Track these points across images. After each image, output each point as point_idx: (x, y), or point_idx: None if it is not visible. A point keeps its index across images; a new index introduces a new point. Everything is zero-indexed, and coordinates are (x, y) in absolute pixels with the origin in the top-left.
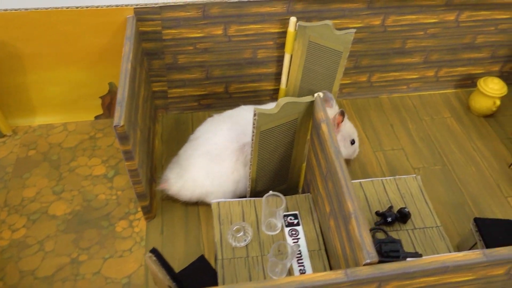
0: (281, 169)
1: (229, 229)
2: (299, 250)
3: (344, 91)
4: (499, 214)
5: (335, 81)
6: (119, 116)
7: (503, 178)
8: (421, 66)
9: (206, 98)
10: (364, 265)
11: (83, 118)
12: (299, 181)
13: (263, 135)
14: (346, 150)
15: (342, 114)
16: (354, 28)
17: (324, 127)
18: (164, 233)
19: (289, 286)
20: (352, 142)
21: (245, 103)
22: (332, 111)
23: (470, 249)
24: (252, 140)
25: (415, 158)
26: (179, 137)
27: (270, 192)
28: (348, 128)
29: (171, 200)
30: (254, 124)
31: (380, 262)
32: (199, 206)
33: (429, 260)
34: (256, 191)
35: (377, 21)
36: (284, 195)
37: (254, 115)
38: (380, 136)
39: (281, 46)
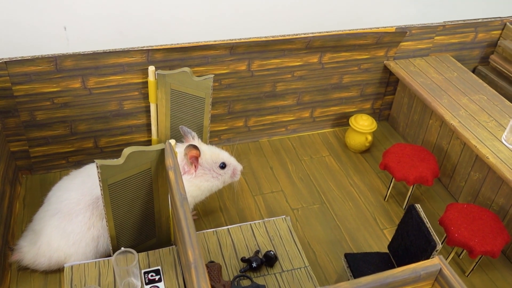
0: (146, 223)
1: None
2: None
3: (223, 137)
4: (376, 247)
5: (204, 128)
6: None
7: (379, 211)
8: (295, 108)
9: (74, 154)
10: None
11: None
12: (170, 234)
13: (113, 188)
14: (221, 178)
15: (195, 147)
16: (220, 74)
17: (171, 174)
18: None
19: None
20: (222, 166)
21: (118, 157)
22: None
23: None
24: (102, 194)
25: (294, 198)
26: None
27: (122, 249)
28: (210, 156)
29: (30, 270)
30: (99, 177)
31: None
32: (61, 272)
33: None
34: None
35: (242, 66)
36: (155, 249)
37: (97, 167)
38: (260, 179)
39: (147, 96)
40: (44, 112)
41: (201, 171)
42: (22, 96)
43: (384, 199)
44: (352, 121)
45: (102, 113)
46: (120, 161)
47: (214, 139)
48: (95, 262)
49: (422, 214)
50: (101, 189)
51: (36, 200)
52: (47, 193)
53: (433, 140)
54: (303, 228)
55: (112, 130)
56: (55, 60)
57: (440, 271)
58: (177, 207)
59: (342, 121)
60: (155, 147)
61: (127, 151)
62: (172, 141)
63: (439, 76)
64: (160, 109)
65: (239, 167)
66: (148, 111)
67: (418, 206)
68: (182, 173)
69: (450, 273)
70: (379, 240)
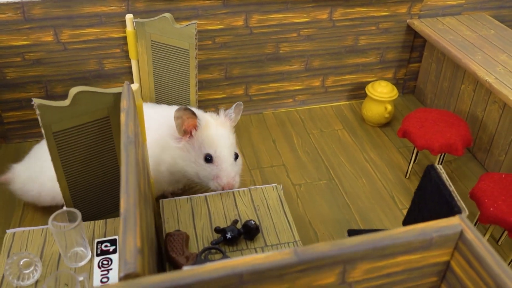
0: (109, 189)
1: (7, 264)
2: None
3: (221, 107)
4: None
5: (191, 87)
6: None
7: (398, 189)
8: (303, 74)
9: None
10: (120, 280)
11: None
12: None
13: (60, 137)
14: (196, 168)
15: (192, 114)
16: (213, 30)
17: (122, 116)
18: None
19: None
20: (207, 158)
21: None
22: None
23: None
24: (47, 144)
25: (297, 173)
26: None
27: (64, 208)
28: (205, 137)
29: None
30: (39, 121)
31: None
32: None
33: (213, 266)
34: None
35: (239, 22)
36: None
37: (36, 108)
38: (259, 153)
39: None
40: (15, 70)
41: (187, 146)
42: None
43: (405, 176)
44: (369, 88)
45: (81, 73)
46: (65, 102)
47: (211, 109)
48: (42, 229)
49: (444, 175)
50: (44, 137)
51: None
52: None
53: (466, 108)
54: (304, 206)
55: None
56: (22, 7)
57: (461, 234)
58: (120, 150)
59: (360, 92)
60: (112, 89)
61: (73, 90)
62: (134, 85)
63: (472, 33)
64: (142, 67)
65: (225, 179)
66: (131, 72)
67: (439, 166)
68: (170, 137)
69: (474, 237)
70: (396, 221)
